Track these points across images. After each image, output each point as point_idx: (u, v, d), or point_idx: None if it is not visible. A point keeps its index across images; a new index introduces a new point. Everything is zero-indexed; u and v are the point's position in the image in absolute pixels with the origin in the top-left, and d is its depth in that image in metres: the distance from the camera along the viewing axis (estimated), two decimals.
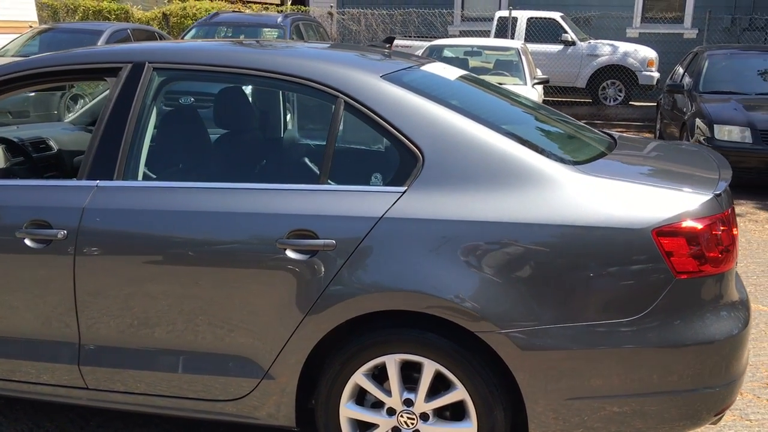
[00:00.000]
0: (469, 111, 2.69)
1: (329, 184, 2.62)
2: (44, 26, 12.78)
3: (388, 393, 2.62)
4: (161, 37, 13.00)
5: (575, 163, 2.60)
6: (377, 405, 2.69)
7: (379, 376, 2.65)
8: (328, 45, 3.29)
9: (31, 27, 14.22)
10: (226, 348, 2.70)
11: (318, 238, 2.53)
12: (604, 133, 3.28)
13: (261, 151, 2.89)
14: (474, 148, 2.54)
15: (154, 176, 2.88)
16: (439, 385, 2.59)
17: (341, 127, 2.64)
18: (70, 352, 2.85)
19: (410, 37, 14.10)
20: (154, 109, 2.86)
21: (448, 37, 14.72)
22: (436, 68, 3.14)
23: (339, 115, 2.65)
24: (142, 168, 2.82)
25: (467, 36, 15.12)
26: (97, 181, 2.78)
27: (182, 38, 10.82)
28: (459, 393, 2.54)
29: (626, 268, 2.38)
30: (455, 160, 2.53)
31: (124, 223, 2.70)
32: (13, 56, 11.54)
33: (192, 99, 3.19)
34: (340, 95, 2.66)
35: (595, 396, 2.45)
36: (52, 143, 3.94)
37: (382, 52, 3.17)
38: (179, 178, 2.86)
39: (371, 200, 2.54)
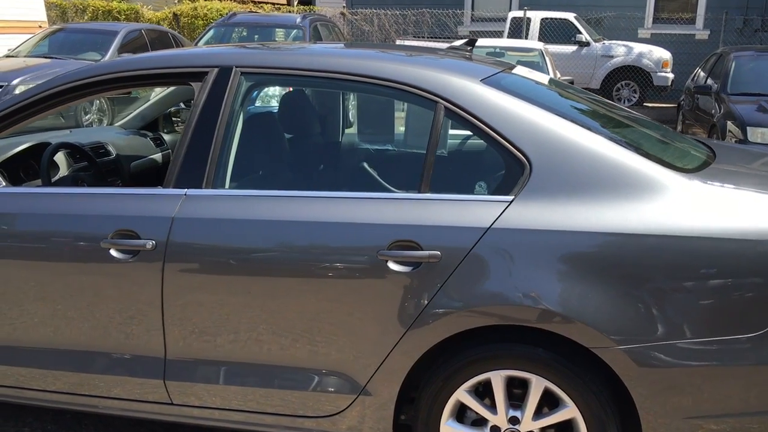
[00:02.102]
0: (571, 117, 2.60)
1: (431, 192, 2.52)
2: (55, 26, 12.63)
3: (493, 410, 2.53)
4: (174, 38, 12.88)
5: (687, 172, 2.52)
6: (478, 423, 2.60)
7: (482, 392, 2.56)
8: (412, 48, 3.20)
9: (41, 27, 14.09)
10: (321, 363, 2.61)
11: (422, 249, 2.44)
12: (697, 140, 3.20)
13: (356, 159, 2.80)
14: (583, 155, 2.45)
15: (245, 185, 2.78)
16: (546, 403, 2.51)
17: (442, 134, 2.54)
18: (155, 366, 2.76)
19: (423, 38, 14.01)
20: (243, 115, 2.76)
21: (457, 39, 14.63)
22: (525, 72, 3.05)
23: (439, 121, 2.55)
24: (232, 176, 2.72)
25: (479, 36, 15.04)
26: (186, 190, 2.68)
27: (199, 40, 10.70)
28: (570, 411, 2.45)
29: (747, 281, 2.29)
30: (565, 167, 2.44)
31: (216, 233, 2.60)
32: (25, 57, 11.41)
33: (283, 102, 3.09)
34: (441, 101, 2.57)
35: (713, 414, 2.36)
36: (110, 148, 3.83)
37: (465, 55, 3.08)
38: (272, 186, 2.76)
39: (478, 209, 2.45)
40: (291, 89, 3.14)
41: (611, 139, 2.53)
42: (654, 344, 2.31)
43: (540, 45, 10.26)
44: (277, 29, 10.74)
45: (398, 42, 13.62)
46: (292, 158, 2.92)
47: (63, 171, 3.52)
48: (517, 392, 2.54)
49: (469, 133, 2.55)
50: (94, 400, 2.87)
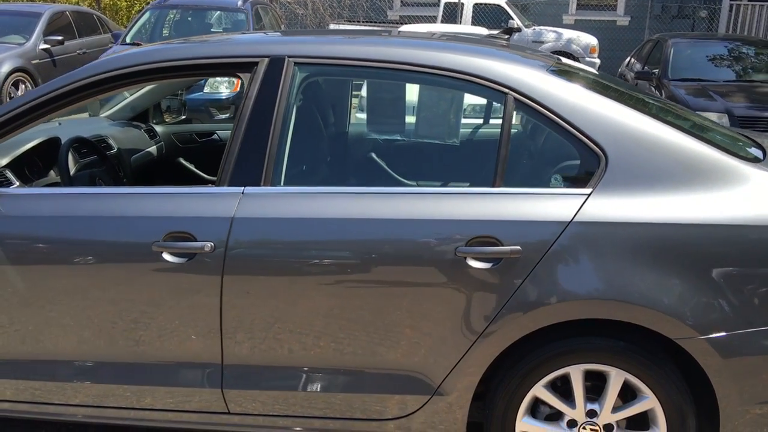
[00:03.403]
0: (637, 107, 2.59)
1: (507, 186, 2.47)
2: None
3: (571, 404, 2.51)
4: (100, 20, 12.31)
5: (755, 161, 2.56)
6: (551, 417, 2.58)
7: (559, 387, 2.54)
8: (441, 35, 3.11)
9: None
10: (393, 365, 2.53)
11: (502, 245, 2.39)
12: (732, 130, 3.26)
13: (423, 152, 2.70)
14: (660, 145, 2.45)
15: (307, 181, 2.66)
16: (620, 395, 2.51)
17: (512, 126, 2.49)
18: (211, 374, 2.61)
19: (358, 21, 13.88)
20: (300, 107, 2.63)
21: (386, 24, 14.59)
22: (572, 64, 3.02)
23: (510, 112, 2.50)
24: (292, 172, 2.59)
25: (410, 21, 15.02)
26: (243, 188, 2.53)
27: (135, 23, 10.22)
28: (649, 402, 2.46)
29: None
30: (641, 159, 2.43)
31: (280, 233, 2.47)
32: None
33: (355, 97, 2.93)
34: (510, 92, 2.51)
35: None
36: (111, 142, 3.59)
37: (502, 44, 3.03)
38: (337, 182, 2.64)
39: (557, 203, 2.42)
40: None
41: (680, 128, 2.54)
42: (736, 333, 2.35)
43: (484, 30, 10.32)
44: (216, 12, 10.39)
45: (332, 26, 13.45)
46: (355, 152, 2.80)
47: (71, 166, 3.28)
48: (592, 385, 2.53)
49: (540, 124, 2.51)
50: (138, 413, 2.70)
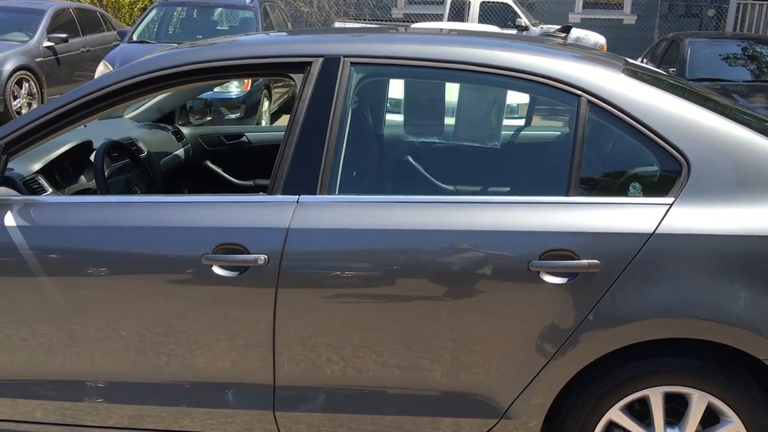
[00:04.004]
0: (716, 110, 2.43)
1: (582, 195, 2.31)
2: None
3: (649, 429, 2.35)
4: (104, 17, 12.10)
5: None
6: None
7: (636, 410, 2.38)
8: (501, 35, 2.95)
9: None
10: (458, 386, 2.36)
11: (579, 259, 2.23)
12: None
13: (488, 158, 2.54)
14: (744, 151, 2.29)
15: (366, 189, 2.49)
16: (702, 418, 2.35)
17: (587, 131, 2.33)
18: (261, 395, 2.44)
19: (364, 20, 13.71)
20: (357, 110, 2.46)
21: (390, 21, 14.43)
22: (639, 64, 2.86)
23: (583, 116, 2.33)
24: (350, 180, 2.42)
25: (415, 20, 14.86)
26: (298, 197, 2.36)
27: (141, 20, 10.01)
28: (734, 426, 2.31)
29: None
30: (725, 165, 2.27)
31: (337, 245, 2.31)
32: None
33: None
34: (584, 94, 2.35)
35: None
36: (141, 145, 3.42)
37: (560, 42, 2.86)
38: (396, 190, 2.47)
39: (637, 213, 2.25)
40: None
41: (763, 133, 2.38)
42: None
43: (495, 29, 10.16)
44: (224, 10, 10.19)
45: (337, 24, 13.27)
46: (417, 159, 2.63)
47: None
48: (669, 408, 2.37)
49: (615, 129, 2.34)
50: None
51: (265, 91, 8.80)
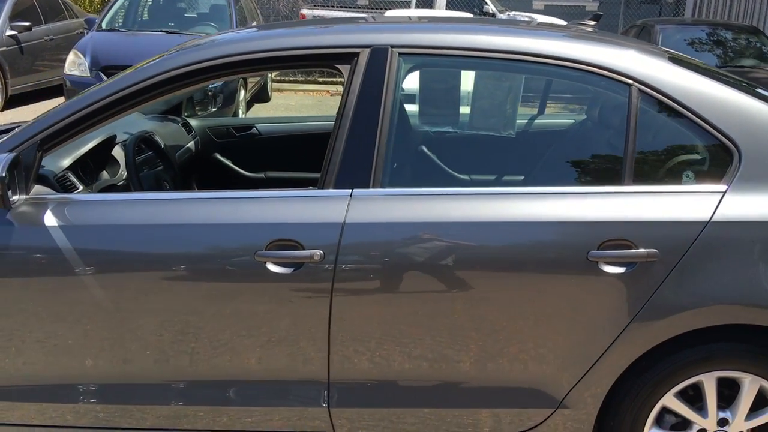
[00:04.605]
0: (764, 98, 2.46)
1: (637, 184, 2.32)
2: None
3: (703, 414, 2.39)
4: (65, 4, 11.75)
5: None
6: (677, 427, 2.45)
7: (690, 396, 2.41)
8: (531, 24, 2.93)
9: None
10: (514, 377, 2.36)
11: (637, 248, 2.24)
12: None
13: (540, 148, 2.53)
14: None
15: (416, 181, 2.46)
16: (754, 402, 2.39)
17: (638, 120, 2.34)
18: (315, 392, 2.40)
19: (332, 7, 13.59)
20: (406, 102, 2.43)
21: (356, 9, 14.33)
22: (678, 53, 2.87)
23: (635, 105, 2.34)
24: (402, 172, 2.39)
25: (383, 7, 14.77)
26: (351, 190, 2.32)
27: (110, 9, 9.74)
28: None
29: None
30: None
31: (394, 239, 2.28)
32: None
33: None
34: (634, 83, 2.35)
35: None
36: (158, 138, 3.32)
37: (590, 31, 2.86)
38: (449, 182, 2.44)
39: (691, 202, 2.28)
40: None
41: None
42: None
43: (468, 15, 10.17)
44: None
45: (304, 11, 13.12)
46: (466, 149, 2.61)
47: (124, 167, 3.01)
48: (721, 392, 2.40)
49: (665, 117, 2.36)
50: None
51: (241, 80, 8.67)
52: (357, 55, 2.40)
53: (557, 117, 2.55)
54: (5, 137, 2.48)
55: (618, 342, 2.28)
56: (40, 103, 10.25)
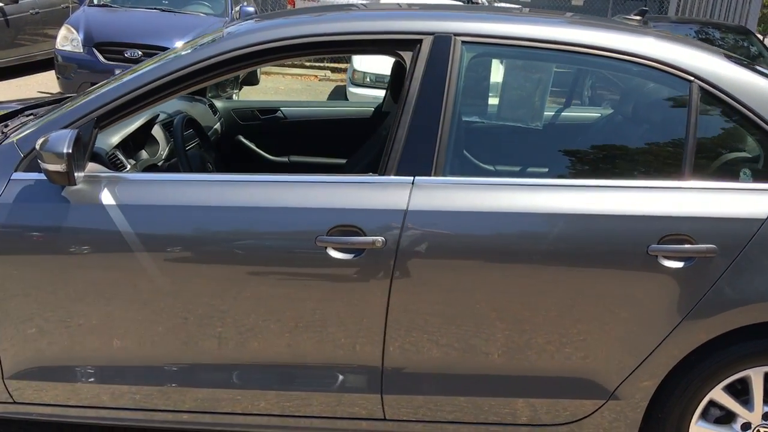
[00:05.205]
0: None
1: (696, 180, 2.34)
2: None
3: (749, 407, 2.43)
4: None
5: None
6: (721, 420, 2.48)
7: (735, 389, 2.45)
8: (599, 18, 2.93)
9: None
10: (568, 368, 2.38)
11: (697, 243, 2.27)
12: None
13: (599, 141, 2.53)
14: None
15: (477, 170, 2.46)
16: None
17: (699, 116, 2.36)
18: (369, 378, 2.40)
19: None
20: (469, 90, 2.42)
21: None
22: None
23: (696, 102, 2.36)
24: (462, 161, 2.39)
25: None
26: (413, 178, 2.31)
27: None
28: None
29: None
30: None
31: (456, 228, 2.28)
32: None
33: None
34: (696, 80, 2.37)
35: None
36: (198, 119, 3.26)
37: (637, 26, 2.87)
38: (510, 173, 2.45)
39: (749, 199, 2.31)
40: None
41: None
42: None
43: (458, 3, 10.14)
44: None
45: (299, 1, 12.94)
46: (529, 140, 2.61)
47: (163, 147, 2.96)
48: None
49: (722, 115, 2.38)
50: (250, 419, 2.48)
51: None
52: (420, 42, 2.38)
53: (612, 111, 2.55)
54: (57, 113, 2.42)
55: (672, 335, 2.31)
56: (24, 77, 10.04)
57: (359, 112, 4.02)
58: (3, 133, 2.61)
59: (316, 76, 12.22)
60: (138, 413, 2.51)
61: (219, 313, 2.34)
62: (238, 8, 9.41)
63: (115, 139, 2.60)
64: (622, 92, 2.57)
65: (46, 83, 9.77)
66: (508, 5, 13.55)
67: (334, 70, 12.50)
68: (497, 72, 2.71)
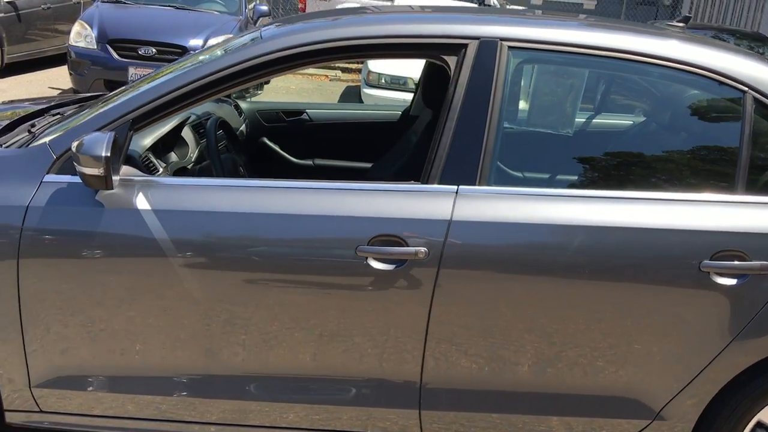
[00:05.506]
0: None
1: (749, 194, 2.26)
2: None
3: None
4: None
5: None
6: None
7: None
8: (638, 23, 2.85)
9: None
10: (614, 386, 2.30)
11: (750, 260, 2.19)
12: None
13: (652, 153, 2.45)
14: None
15: (522, 180, 2.38)
16: None
17: (753, 128, 2.28)
18: (407, 393, 2.33)
19: None
20: (516, 97, 2.34)
21: None
22: None
23: (749, 113, 2.28)
24: (508, 170, 2.31)
25: None
26: (457, 187, 2.24)
27: None
28: None
29: None
30: None
31: (502, 240, 2.20)
32: None
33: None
34: (749, 90, 2.29)
35: None
36: (230, 122, 3.19)
37: (680, 33, 2.79)
38: (557, 183, 2.37)
39: None
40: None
41: None
42: None
43: (472, 5, 10.06)
44: None
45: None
46: (575, 151, 2.53)
47: (193, 149, 2.88)
48: None
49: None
50: None
51: None
52: (465, 46, 2.30)
53: (661, 122, 2.48)
54: (90, 115, 2.35)
55: (723, 354, 2.24)
56: (34, 73, 9.99)
57: (386, 115, 3.94)
58: (31, 132, 2.54)
59: (326, 76, 12.15)
60: (164, 424, 2.43)
61: (250, 323, 2.26)
62: (251, 6, 9.34)
63: (148, 141, 2.53)
64: (673, 102, 2.49)
65: (56, 79, 9.71)
66: (518, 8, 13.48)
67: (344, 70, 12.43)
68: (543, 79, 2.63)
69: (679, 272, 2.20)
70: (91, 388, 2.37)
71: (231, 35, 8.12)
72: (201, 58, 2.54)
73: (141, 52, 7.71)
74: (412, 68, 7.04)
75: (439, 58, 2.34)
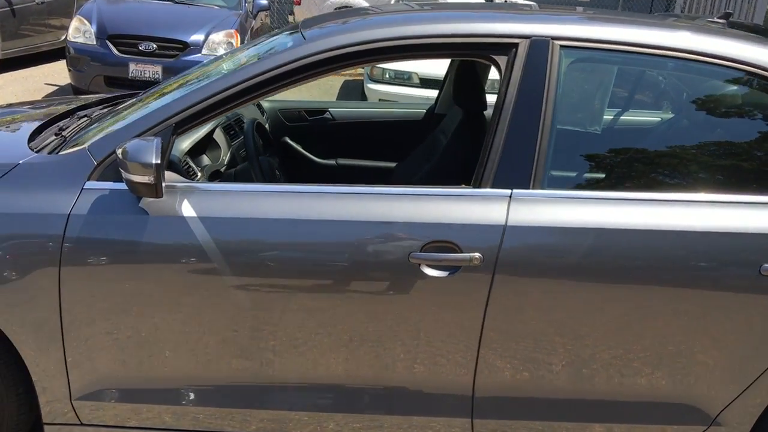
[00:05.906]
0: None
1: None
2: None
3: None
4: None
5: None
6: None
7: None
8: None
9: None
10: (670, 392, 2.25)
11: None
12: None
13: (706, 154, 2.40)
14: None
15: (577, 184, 2.33)
16: None
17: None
18: (459, 402, 2.27)
19: None
20: (568, 98, 2.28)
21: None
22: None
23: None
24: (562, 173, 2.26)
25: None
26: (511, 191, 2.18)
27: None
28: None
29: None
30: None
31: (559, 245, 2.14)
32: None
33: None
34: None
35: None
36: (265, 124, 3.11)
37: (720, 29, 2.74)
38: (614, 186, 2.31)
39: None
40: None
41: None
42: None
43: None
44: None
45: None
46: (629, 152, 2.47)
47: (225, 151, 2.81)
48: None
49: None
50: None
51: None
52: (516, 46, 2.24)
53: (716, 122, 2.42)
54: (130, 119, 2.27)
55: None
56: (30, 68, 9.84)
57: (410, 113, 3.88)
58: (61, 136, 2.46)
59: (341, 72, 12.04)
60: None
61: (296, 331, 2.20)
62: (251, 1, 9.24)
63: (186, 145, 2.45)
64: (727, 103, 2.44)
65: (52, 75, 9.57)
66: (521, 2, 13.43)
67: None
68: (597, 78, 2.57)
69: (739, 276, 2.15)
70: (128, 400, 2.31)
71: (238, 33, 8.01)
72: (238, 59, 2.47)
73: (141, 47, 7.60)
74: (416, 63, 6.97)
75: (488, 57, 2.27)
